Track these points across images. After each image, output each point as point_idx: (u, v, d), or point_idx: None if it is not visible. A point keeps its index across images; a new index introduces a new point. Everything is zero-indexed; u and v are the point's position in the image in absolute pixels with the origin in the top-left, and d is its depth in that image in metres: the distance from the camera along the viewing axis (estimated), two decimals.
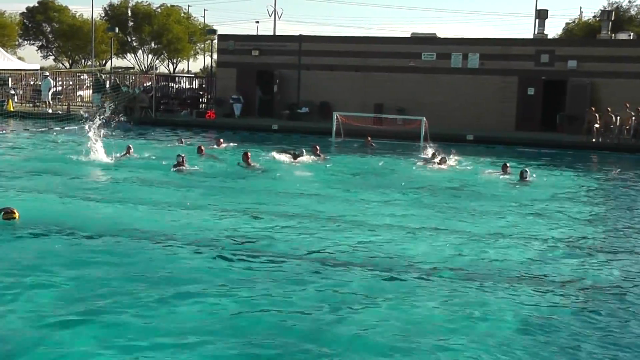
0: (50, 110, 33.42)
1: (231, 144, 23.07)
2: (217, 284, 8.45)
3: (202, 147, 20.24)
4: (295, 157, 19.68)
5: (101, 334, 6.90)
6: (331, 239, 10.91)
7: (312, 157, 20.16)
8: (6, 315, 7.31)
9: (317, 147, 20.83)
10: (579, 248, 11.02)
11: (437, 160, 19.89)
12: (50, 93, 35.32)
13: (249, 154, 18.30)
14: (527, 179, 17.26)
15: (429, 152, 21.33)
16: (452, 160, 20.09)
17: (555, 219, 13.12)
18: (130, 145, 19.40)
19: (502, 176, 18.04)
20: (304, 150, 20.20)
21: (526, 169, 17.95)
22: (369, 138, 25.05)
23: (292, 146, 22.06)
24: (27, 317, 7.27)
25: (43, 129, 27.64)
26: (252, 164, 18.02)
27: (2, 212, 11.21)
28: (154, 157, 19.06)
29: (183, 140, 23.66)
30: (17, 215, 11.24)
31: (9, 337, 6.75)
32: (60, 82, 40.54)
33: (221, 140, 23.21)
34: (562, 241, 11.35)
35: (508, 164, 18.68)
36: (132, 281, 8.43)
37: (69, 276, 8.58)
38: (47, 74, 38.25)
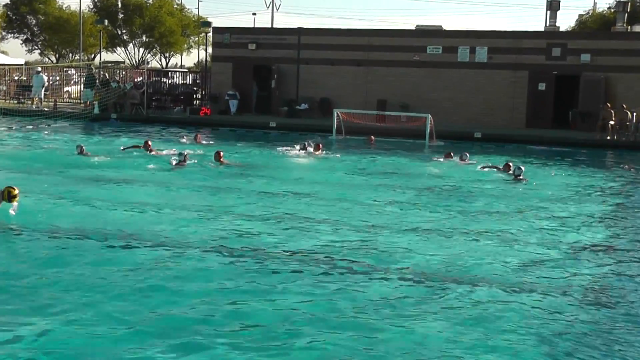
0: (37, 107, 33.21)
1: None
2: (211, 286, 8.55)
3: (149, 142, 20.33)
4: (303, 148, 21.10)
5: (78, 332, 7.04)
6: (330, 238, 11.03)
7: (312, 152, 20.92)
8: None
9: (320, 145, 21.53)
10: (592, 250, 11.07)
11: (457, 158, 20.46)
12: (43, 89, 35.11)
13: (222, 152, 18.50)
14: (521, 176, 17.37)
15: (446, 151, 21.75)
16: (462, 160, 20.41)
17: (568, 220, 13.20)
18: (82, 145, 19.41)
19: (506, 175, 18.08)
20: (309, 142, 21.39)
21: (520, 166, 18.07)
22: (372, 137, 25.32)
23: (291, 143, 22.63)
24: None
25: (28, 127, 27.54)
26: (226, 163, 18.27)
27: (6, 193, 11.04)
28: (108, 157, 19.16)
29: (185, 137, 24.02)
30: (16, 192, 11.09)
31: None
32: (46, 78, 40.46)
33: (199, 135, 23.80)
34: (575, 243, 11.41)
35: (511, 163, 18.75)
36: (111, 282, 8.54)
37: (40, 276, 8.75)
38: (40, 69, 38.07)
